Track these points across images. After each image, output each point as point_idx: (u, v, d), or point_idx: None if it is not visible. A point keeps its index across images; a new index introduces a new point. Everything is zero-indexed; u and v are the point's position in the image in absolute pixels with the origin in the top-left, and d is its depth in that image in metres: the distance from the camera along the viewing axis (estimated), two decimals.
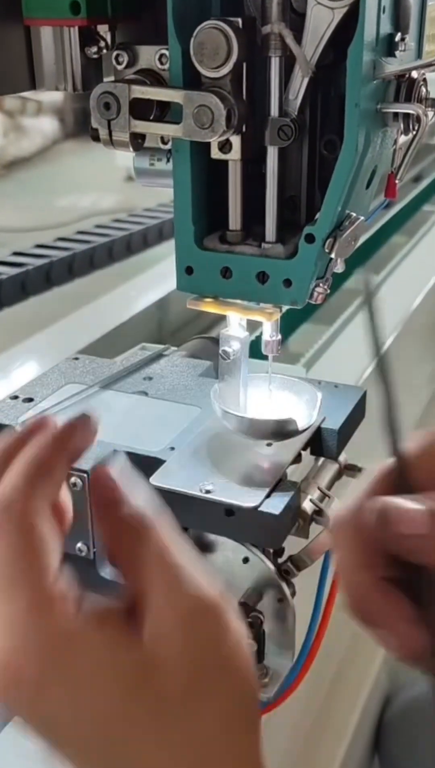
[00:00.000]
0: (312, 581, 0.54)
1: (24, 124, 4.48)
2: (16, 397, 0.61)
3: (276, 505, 0.48)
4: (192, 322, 1.32)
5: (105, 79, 0.50)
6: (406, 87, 0.47)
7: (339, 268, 0.50)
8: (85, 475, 0.52)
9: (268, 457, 0.53)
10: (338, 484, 0.59)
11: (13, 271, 1.75)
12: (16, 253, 1.90)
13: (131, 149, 0.48)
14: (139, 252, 2.05)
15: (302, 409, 0.56)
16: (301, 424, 0.54)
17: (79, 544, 0.53)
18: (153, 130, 0.48)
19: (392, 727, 1.00)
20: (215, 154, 0.48)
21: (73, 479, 0.52)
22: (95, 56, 0.49)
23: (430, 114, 0.48)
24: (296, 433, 0.53)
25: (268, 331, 0.54)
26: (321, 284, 0.50)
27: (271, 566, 0.51)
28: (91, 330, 1.09)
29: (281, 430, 0.53)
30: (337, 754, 0.82)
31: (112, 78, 0.49)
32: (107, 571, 0.55)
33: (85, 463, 0.53)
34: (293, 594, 0.52)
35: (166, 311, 1.27)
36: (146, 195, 2.13)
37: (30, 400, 0.60)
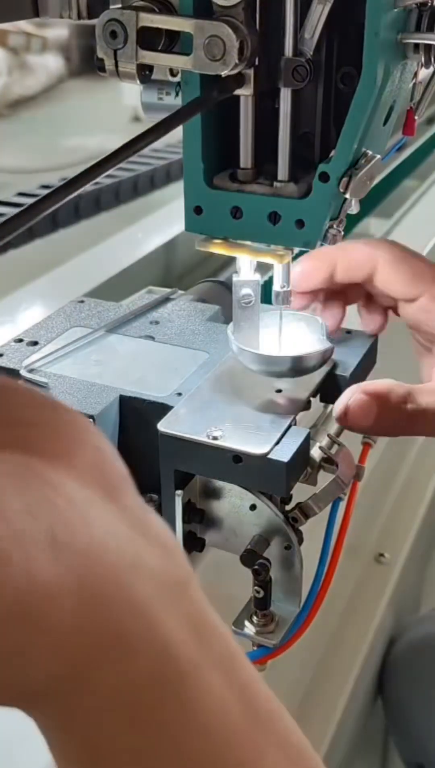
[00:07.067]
0: (319, 529, 0.54)
1: (29, 62, 4.37)
2: (20, 341, 0.60)
3: (285, 452, 0.48)
4: (200, 265, 1.30)
5: (111, 6, 0.47)
6: (428, 16, 0.45)
7: (354, 208, 0.49)
8: (92, 419, 0.51)
9: (277, 404, 0.52)
10: (347, 432, 0.58)
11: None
12: (20, 194, 1.86)
13: (138, 81, 0.46)
14: (147, 194, 2.01)
15: (316, 341, 0.55)
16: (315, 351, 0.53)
17: None
18: (161, 61, 0.45)
19: (395, 669, 1.01)
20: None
21: None
22: None
23: None
24: (315, 368, 0.53)
25: (279, 282, 0.53)
26: (335, 225, 0.48)
27: (279, 514, 0.50)
28: (97, 273, 1.07)
29: (300, 366, 0.52)
30: (340, 697, 0.83)
31: (119, 5, 0.47)
32: None
33: (92, 408, 0.52)
34: (300, 541, 0.51)
35: (173, 254, 1.25)
36: None
37: (35, 343, 0.59)
